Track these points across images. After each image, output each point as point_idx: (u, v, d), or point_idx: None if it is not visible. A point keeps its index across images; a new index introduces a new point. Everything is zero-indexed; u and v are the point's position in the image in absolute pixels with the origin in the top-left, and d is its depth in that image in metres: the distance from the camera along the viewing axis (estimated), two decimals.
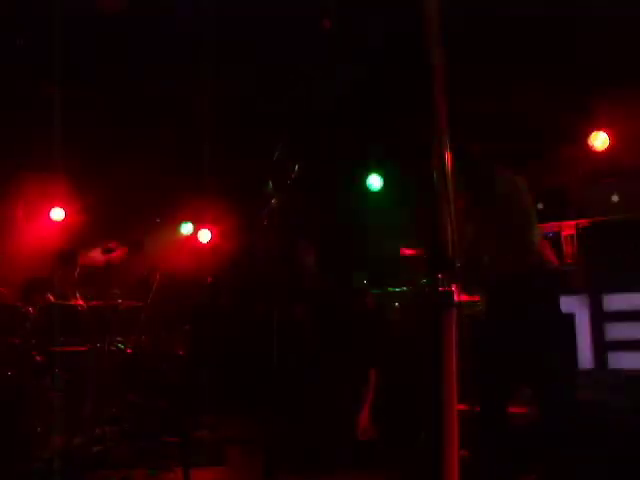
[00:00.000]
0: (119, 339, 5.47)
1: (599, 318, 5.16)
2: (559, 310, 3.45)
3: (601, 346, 5.11)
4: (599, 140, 5.98)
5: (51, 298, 5.33)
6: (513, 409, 4.39)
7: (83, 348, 5.11)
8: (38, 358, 4.97)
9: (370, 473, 4.09)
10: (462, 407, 1.84)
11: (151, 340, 5.69)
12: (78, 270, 5.59)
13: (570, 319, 3.61)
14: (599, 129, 5.98)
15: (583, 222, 5.20)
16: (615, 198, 5.50)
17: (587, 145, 6.04)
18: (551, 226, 5.29)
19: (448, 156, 1.83)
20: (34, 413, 4.66)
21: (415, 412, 4.42)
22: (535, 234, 3.48)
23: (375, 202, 7.10)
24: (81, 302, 5.44)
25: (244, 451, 4.83)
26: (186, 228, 7.92)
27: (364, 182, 7.17)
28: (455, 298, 1.74)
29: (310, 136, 6.37)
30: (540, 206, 5.73)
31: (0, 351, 5.02)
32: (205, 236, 8.25)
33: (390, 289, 5.02)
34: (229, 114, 6.33)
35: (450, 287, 1.76)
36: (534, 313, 3.20)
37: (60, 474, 4.04)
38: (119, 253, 5.57)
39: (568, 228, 5.21)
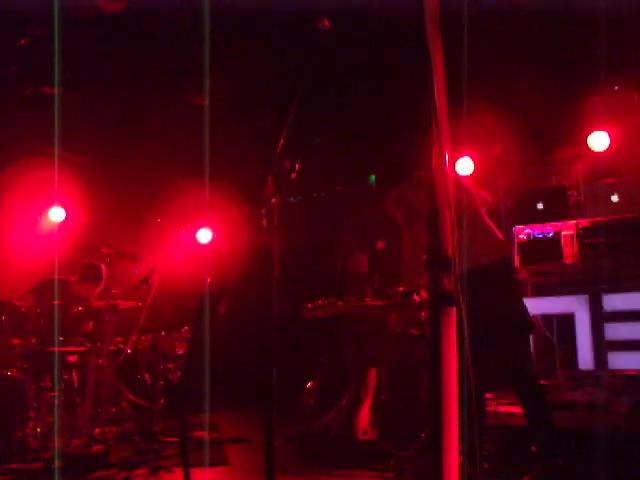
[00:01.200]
0: (119, 339, 5.46)
1: (599, 318, 5.16)
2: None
3: (601, 346, 5.12)
4: (599, 140, 5.97)
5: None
6: (513, 408, 4.40)
7: (83, 348, 5.11)
8: (38, 358, 4.97)
9: (370, 473, 4.09)
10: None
11: (151, 340, 5.69)
12: (101, 288, 5.31)
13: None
14: (599, 129, 5.98)
15: (583, 222, 5.21)
16: (615, 198, 5.50)
17: (587, 145, 6.04)
18: (551, 226, 5.30)
19: (447, 155, 1.83)
20: (34, 413, 4.66)
21: (415, 412, 4.42)
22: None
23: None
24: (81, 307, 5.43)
25: (244, 451, 4.82)
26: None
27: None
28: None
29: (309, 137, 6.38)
30: (540, 206, 5.74)
31: (0, 351, 5.02)
32: (205, 236, 8.26)
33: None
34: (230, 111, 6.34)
35: (450, 287, 1.76)
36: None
37: (60, 474, 4.03)
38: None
39: (568, 228, 5.22)
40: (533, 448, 3.59)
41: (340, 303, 4.82)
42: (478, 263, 3.61)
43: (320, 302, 4.94)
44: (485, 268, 3.67)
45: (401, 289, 4.45)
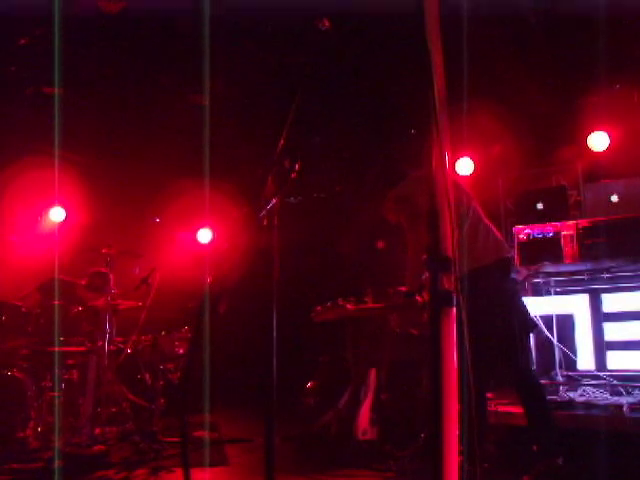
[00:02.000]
0: (119, 339, 5.46)
1: (599, 318, 5.16)
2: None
3: (601, 346, 5.11)
4: (599, 140, 5.97)
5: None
6: (513, 408, 4.40)
7: (83, 348, 5.11)
8: (38, 358, 4.97)
9: (370, 473, 4.09)
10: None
11: (151, 340, 5.69)
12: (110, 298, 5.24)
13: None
14: (599, 129, 5.98)
15: (583, 222, 5.20)
16: (615, 198, 5.50)
17: (587, 145, 6.04)
18: (551, 226, 5.29)
19: (447, 156, 1.83)
20: (34, 413, 4.66)
21: (415, 412, 4.42)
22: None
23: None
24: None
25: (244, 451, 4.83)
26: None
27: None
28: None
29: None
30: (540, 206, 5.74)
31: (1, 351, 5.03)
32: (205, 236, 8.26)
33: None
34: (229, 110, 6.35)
35: (450, 287, 1.76)
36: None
37: (60, 474, 4.03)
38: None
39: (568, 228, 5.21)
40: (534, 447, 3.59)
41: (349, 306, 4.81)
42: (479, 264, 3.62)
43: (329, 305, 4.94)
44: (485, 269, 3.67)
45: (403, 289, 4.44)
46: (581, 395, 4.89)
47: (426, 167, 1.82)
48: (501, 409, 4.55)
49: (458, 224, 3.57)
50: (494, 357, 3.59)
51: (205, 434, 5.17)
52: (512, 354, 3.68)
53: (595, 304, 5.19)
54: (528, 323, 3.89)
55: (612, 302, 5.12)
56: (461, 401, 1.80)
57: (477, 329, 2.77)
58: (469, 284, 3.15)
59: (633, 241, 4.89)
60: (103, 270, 5.27)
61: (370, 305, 4.94)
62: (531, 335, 4.86)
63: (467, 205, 3.81)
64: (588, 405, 4.66)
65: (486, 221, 3.90)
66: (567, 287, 5.39)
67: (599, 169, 5.99)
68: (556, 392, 5.00)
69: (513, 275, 4.03)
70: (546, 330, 5.23)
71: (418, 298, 4.27)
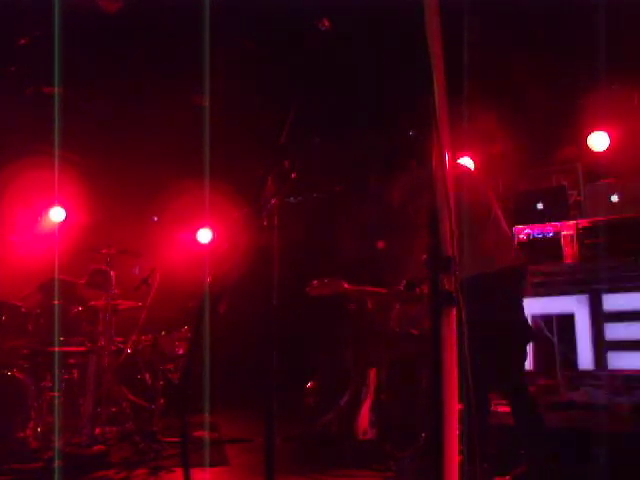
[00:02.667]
0: (119, 339, 5.46)
1: (599, 318, 5.16)
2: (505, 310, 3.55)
3: (601, 346, 5.12)
4: (599, 140, 5.98)
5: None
6: (505, 408, 4.40)
7: (83, 348, 5.11)
8: (38, 358, 4.97)
9: (370, 473, 4.09)
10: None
11: (151, 340, 5.68)
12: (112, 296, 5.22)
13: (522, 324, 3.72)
14: (599, 129, 5.98)
15: (583, 222, 5.21)
16: (615, 198, 5.50)
17: (587, 145, 6.04)
18: (551, 226, 5.30)
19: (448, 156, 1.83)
20: (34, 413, 4.66)
21: (415, 412, 4.42)
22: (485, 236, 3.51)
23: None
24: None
25: (244, 451, 4.82)
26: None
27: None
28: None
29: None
30: (540, 206, 5.74)
31: (1, 351, 5.03)
32: (205, 236, 8.25)
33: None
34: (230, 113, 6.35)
35: (450, 287, 1.76)
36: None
37: (60, 474, 4.03)
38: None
39: (568, 228, 5.22)
40: (522, 451, 3.56)
41: (345, 284, 4.81)
42: (490, 270, 3.45)
43: (325, 280, 4.93)
44: (496, 275, 3.51)
45: (406, 280, 4.38)
46: (581, 395, 4.89)
47: (425, 160, 1.82)
48: (501, 409, 4.55)
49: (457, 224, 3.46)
50: (492, 366, 3.50)
51: (205, 434, 5.17)
52: (508, 367, 3.59)
53: (595, 304, 5.19)
54: (528, 334, 3.80)
55: (612, 302, 5.12)
56: (461, 401, 1.80)
57: (476, 335, 2.74)
58: (474, 287, 3.06)
59: (633, 241, 4.89)
60: (104, 268, 5.25)
61: (368, 288, 4.92)
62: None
63: (474, 203, 3.61)
64: (588, 405, 4.67)
65: (504, 224, 3.73)
66: (567, 287, 5.39)
67: (599, 169, 6.00)
68: (556, 392, 5.00)
69: (523, 285, 3.86)
70: (546, 330, 5.23)
71: (417, 290, 4.24)
